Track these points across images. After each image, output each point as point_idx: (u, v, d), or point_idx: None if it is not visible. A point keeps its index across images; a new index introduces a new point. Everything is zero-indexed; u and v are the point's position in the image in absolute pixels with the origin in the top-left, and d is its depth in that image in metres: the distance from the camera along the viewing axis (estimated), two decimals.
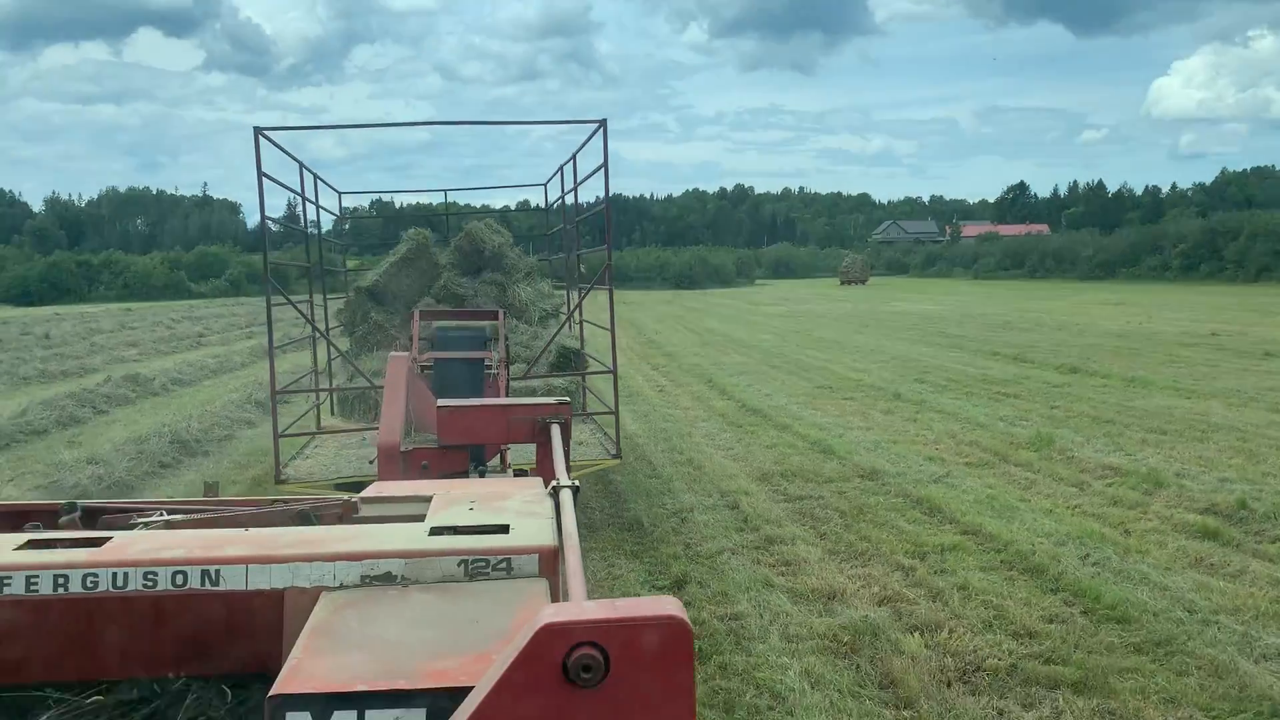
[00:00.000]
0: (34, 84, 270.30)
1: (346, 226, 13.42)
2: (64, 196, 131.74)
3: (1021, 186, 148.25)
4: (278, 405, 8.36)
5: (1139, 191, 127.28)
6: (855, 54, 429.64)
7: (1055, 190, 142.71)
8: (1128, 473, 9.53)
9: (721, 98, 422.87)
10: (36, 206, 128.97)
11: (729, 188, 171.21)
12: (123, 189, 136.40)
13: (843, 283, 75.93)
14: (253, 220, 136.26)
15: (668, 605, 1.27)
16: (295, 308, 9.31)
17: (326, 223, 14.16)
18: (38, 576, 1.87)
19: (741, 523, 8.21)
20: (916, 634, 5.67)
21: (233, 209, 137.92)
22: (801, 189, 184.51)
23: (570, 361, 9.90)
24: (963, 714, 4.70)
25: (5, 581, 1.87)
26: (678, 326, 33.53)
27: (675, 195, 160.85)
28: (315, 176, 10.77)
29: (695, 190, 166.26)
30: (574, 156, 9.73)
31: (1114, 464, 9.94)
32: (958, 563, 6.95)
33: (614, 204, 9.99)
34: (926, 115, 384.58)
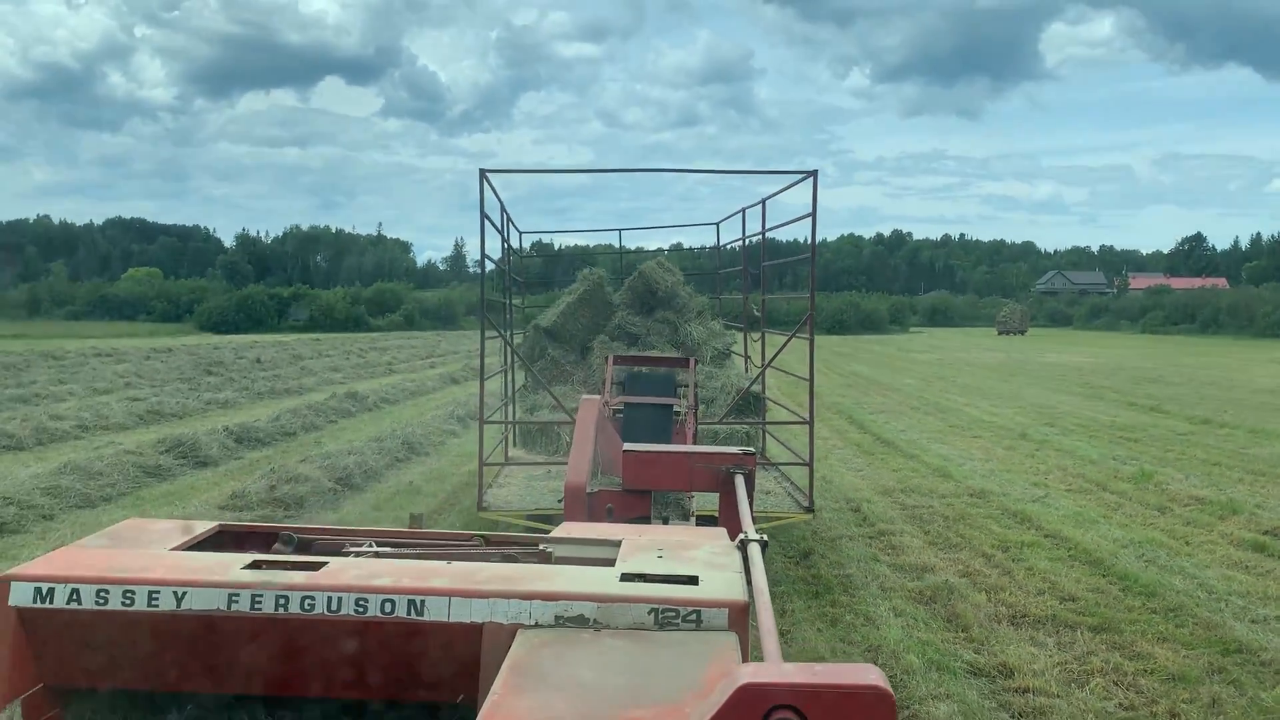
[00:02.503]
0: (229, 128, 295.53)
1: (507, 266, 12.67)
2: (252, 233, 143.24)
3: (1198, 238, 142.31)
4: (469, 430, 9.26)
5: None
6: (1024, 99, 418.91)
7: (1236, 242, 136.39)
8: (1210, 502, 10.89)
9: (882, 143, 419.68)
10: (228, 242, 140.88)
11: (886, 233, 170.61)
12: (305, 227, 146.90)
13: (1000, 332, 75.00)
14: (422, 259, 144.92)
15: (870, 674, 1.28)
16: (507, 342, 9.90)
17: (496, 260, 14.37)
18: (262, 596, 2.03)
19: (861, 520, 10.10)
20: (983, 593, 7.50)
21: (404, 248, 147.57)
22: (962, 236, 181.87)
23: (751, 407, 9.82)
24: (1003, 637, 6.53)
25: (234, 598, 2.03)
26: (825, 369, 35.07)
27: (830, 239, 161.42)
28: (508, 218, 10.81)
29: (851, 235, 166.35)
30: (764, 201, 9.93)
31: (1201, 495, 11.28)
32: (1032, 554, 8.67)
33: (768, 248, 10.59)
34: (1100, 162, 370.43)
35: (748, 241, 11.18)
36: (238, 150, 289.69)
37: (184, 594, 2.07)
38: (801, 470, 8.44)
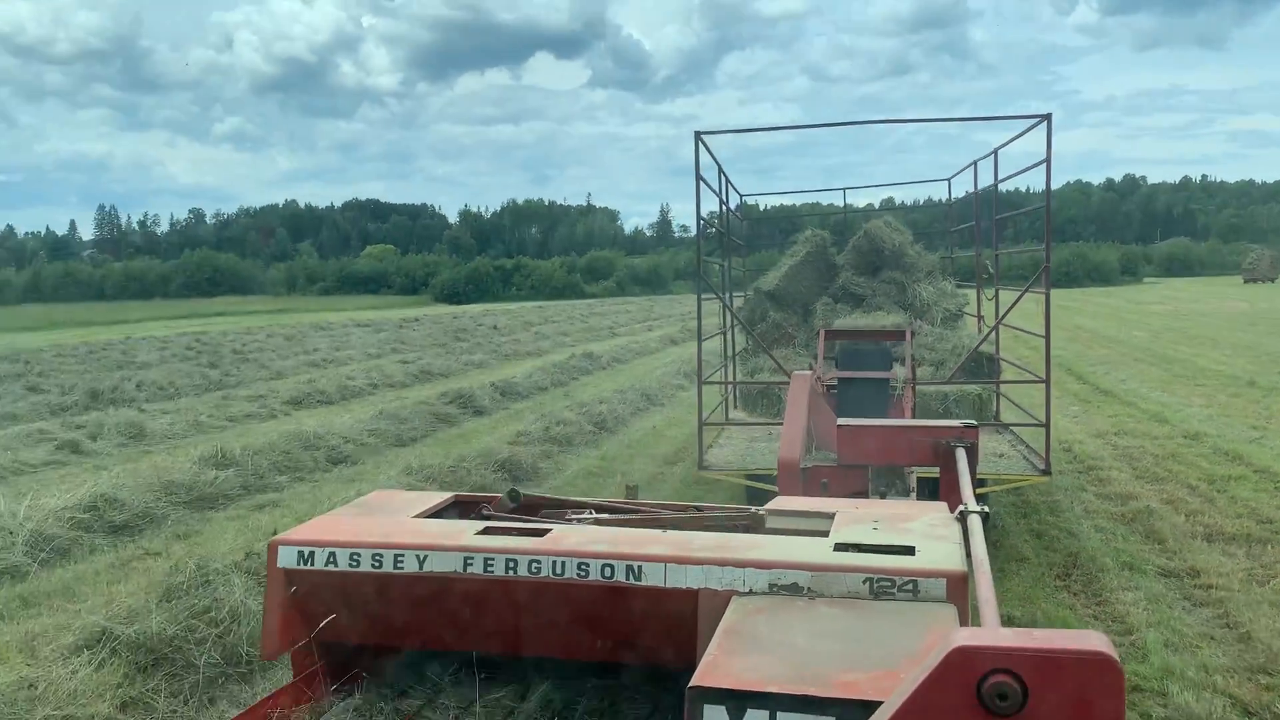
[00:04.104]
0: (448, 109, 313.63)
1: (712, 230, 11.29)
2: (473, 209, 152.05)
3: None
4: (695, 385, 8.90)
5: None
6: (1276, 23, 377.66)
7: None
8: None
9: (1112, 81, 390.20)
10: (452, 218, 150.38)
11: (1117, 178, 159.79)
12: (520, 201, 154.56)
13: (1246, 280, 69.46)
14: (629, 226, 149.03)
15: (1093, 640, 1.23)
16: (725, 305, 9.83)
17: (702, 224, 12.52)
18: (493, 559, 2.19)
19: (1072, 459, 10.90)
20: (1183, 516, 8.31)
21: (612, 216, 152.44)
22: (1204, 177, 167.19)
23: (984, 368, 9.52)
24: (1195, 549, 7.38)
25: (469, 561, 2.20)
26: (1036, 317, 34.31)
27: (1054, 187, 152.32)
28: (727, 181, 10.37)
29: (1078, 182, 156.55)
30: (995, 152, 9.58)
31: None
32: (1238, 487, 9.29)
33: (983, 198, 10.37)
34: None
35: (976, 194, 10.85)
36: (457, 130, 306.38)
37: (425, 557, 2.27)
38: (1036, 431, 8.05)
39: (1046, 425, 7.66)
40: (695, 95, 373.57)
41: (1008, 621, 5.58)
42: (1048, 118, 7.43)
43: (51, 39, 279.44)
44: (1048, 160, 7.50)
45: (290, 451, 11.10)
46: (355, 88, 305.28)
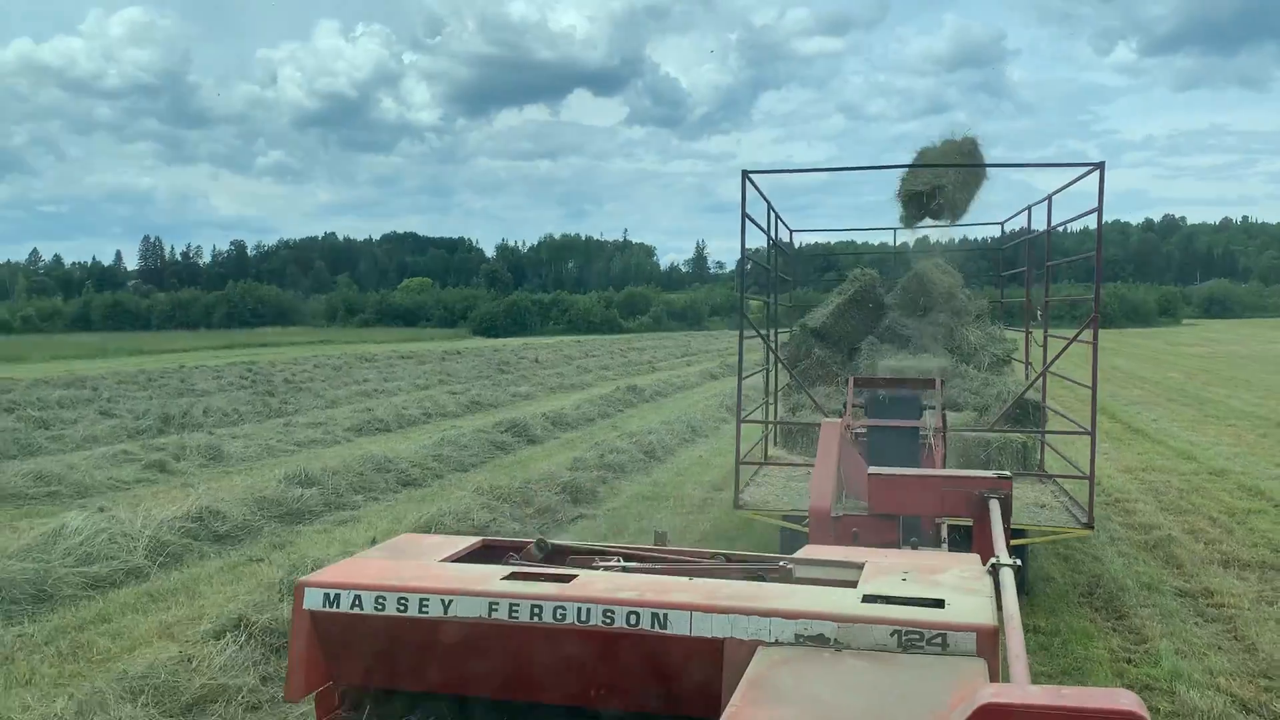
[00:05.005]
0: (486, 144, 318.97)
1: (749, 267, 10.90)
2: (510, 243, 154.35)
3: None
4: (734, 423, 8.62)
5: None
6: None
7: None
8: None
9: (1151, 120, 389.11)
10: (489, 252, 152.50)
11: (1156, 218, 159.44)
12: (557, 235, 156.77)
13: None
14: (665, 261, 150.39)
15: (1125, 699, 1.20)
16: (767, 344, 9.62)
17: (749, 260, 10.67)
18: (518, 605, 2.21)
19: (1100, 492, 11.38)
20: (1202, 544, 8.90)
21: (648, 252, 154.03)
22: (1245, 218, 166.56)
23: (1029, 415, 9.36)
24: (1211, 573, 7.97)
25: (494, 607, 2.22)
26: (1081, 363, 34.64)
27: (1091, 227, 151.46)
28: (777, 217, 10.34)
29: (1116, 222, 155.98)
30: (1049, 197, 9.50)
31: None
32: (1257, 519, 9.86)
33: (1040, 243, 10.16)
34: None
35: (1029, 239, 10.72)
36: (495, 165, 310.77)
37: (450, 602, 2.27)
38: (1079, 480, 7.96)
39: (1090, 477, 7.40)
40: (731, 133, 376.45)
41: (1031, 632, 6.22)
42: (1100, 166, 7.31)
43: (102, 74, 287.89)
44: (1099, 209, 7.34)
45: (364, 474, 11.94)
46: (395, 122, 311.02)
